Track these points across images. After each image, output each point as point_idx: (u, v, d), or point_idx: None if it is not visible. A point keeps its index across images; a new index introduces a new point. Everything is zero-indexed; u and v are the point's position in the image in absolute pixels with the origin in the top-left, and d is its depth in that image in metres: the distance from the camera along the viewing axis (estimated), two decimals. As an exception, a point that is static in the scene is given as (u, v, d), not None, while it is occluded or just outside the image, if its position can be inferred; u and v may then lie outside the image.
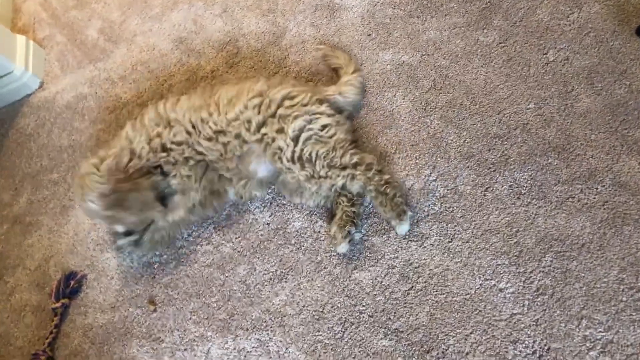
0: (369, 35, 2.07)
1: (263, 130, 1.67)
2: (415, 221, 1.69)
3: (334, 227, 1.68)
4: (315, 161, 1.65)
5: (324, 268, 1.73)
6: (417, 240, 1.66)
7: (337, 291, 1.68)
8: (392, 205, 1.62)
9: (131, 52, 2.49)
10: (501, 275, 1.54)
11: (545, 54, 1.80)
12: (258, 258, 1.83)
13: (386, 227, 1.71)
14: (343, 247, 1.66)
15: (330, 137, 1.66)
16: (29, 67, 2.56)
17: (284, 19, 2.25)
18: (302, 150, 1.65)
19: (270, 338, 1.69)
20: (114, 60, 2.50)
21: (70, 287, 1.98)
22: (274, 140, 1.67)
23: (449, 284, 1.58)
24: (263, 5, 2.31)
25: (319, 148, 1.64)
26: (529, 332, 1.46)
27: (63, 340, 1.93)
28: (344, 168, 1.65)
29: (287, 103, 1.68)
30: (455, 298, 1.56)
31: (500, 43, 1.87)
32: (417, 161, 1.77)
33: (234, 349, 1.71)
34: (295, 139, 1.65)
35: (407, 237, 1.67)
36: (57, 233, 2.16)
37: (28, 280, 2.09)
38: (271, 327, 1.70)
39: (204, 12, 2.43)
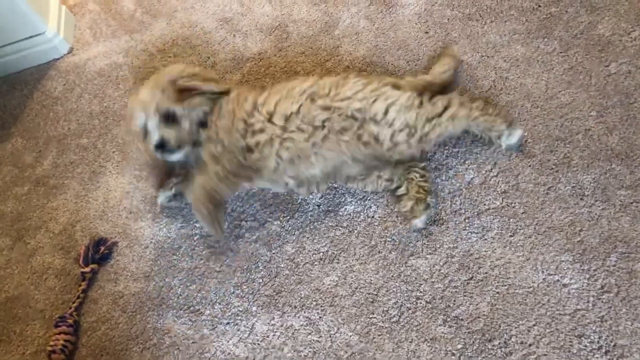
0: (427, 32, 2.09)
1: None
2: (475, 213, 1.69)
3: (410, 201, 1.68)
4: (416, 123, 1.69)
5: (379, 252, 1.71)
6: (477, 232, 1.66)
7: (392, 276, 1.66)
8: (500, 115, 1.77)
9: (171, 27, 2.46)
10: (565, 271, 1.55)
11: (607, 66, 1.84)
12: (307, 238, 1.80)
13: (445, 217, 1.71)
14: (422, 221, 1.66)
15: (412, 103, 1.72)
16: (60, 30, 2.50)
17: (337, 10, 2.26)
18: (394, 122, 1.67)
19: (320, 317, 1.66)
20: (152, 32, 2.46)
21: (100, 252, 1.90)
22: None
23: (511, 276, 1.58)
24: (315, -6, 2.31)
25: (408, 114, 1.68)
26: (594, 328, 1.47)
27: (90, 306, 1.86)
28: (441, 114, 1.70)
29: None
30: (517, 290, 1.56)
31: (561, 52, 1.91)
32: (478, 156, 1.78)
33: (281, 325, 1.67)
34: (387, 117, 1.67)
35: (466, 228, 1.66)
36: (85, 198, 2.09)
37: (51, 244, 2.01)
38: (321, 306, 1.67)
39: (252, -5, 2.41)
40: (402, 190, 1.74)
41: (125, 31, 2.50)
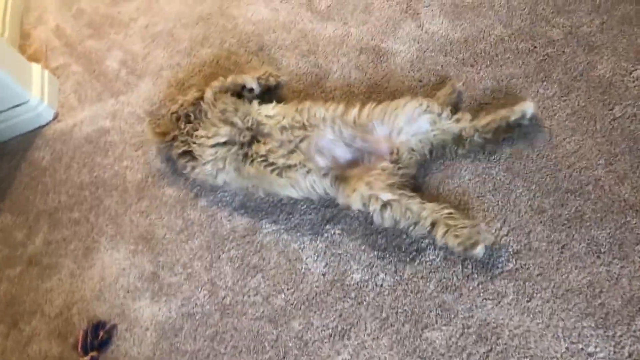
0: (420, 81, 2.00)
1: None
2: (489, 278, 1.59)
3: (460, 230, 1.62)
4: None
5: (391, 325, 1.61)
6: (492, 299, 1.56)
7: (407, 351, 1.56)
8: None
9: (158, 87, 2.35)
10: (588, 338, 1.45)
11: (611, 109, 1.75)
12: (314, 312, 1.69)
13: (457, 283, 1.61)
14: (483, 247, 1.61)
15: None
16: (44, 96, 2.39)
17: (326, 61, 2.17)
18: None
19: (335, 401, 1.54)
20: (138, 94, 2.35)
21: (99, 338, 1.80)
22: None
23: (532, 346, 1.48)
24: (302, 45, 2.21)
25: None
26: (625, 401, 1.37)
27: (92, 397, 1.73)
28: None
29: None
30: (540, 362, 1.45)
31: (562, 96, 1.82)
32: (486, 214, 1.69)
33: (295, 412, 1.56)
34: None
35: (481, 294, 1.56)
36: (80, 277, 1.97)
37: (47, 329, 1.90)
38: (335, 388, 1.56)
39: (237, 49, 2.31)
40: (440, 228, 1.65)
41: (111, 93, 2.40)
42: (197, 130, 1.85)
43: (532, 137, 1.78)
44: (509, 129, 1.78)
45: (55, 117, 2.42)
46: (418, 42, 2.10)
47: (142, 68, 2.43)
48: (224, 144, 1.81)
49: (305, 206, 1.87)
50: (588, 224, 1.61)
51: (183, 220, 1.98)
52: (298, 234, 1.84)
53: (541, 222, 1.64)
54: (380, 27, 2.18)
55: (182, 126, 1.89)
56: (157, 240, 1.97)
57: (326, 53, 2.20)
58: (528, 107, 1.76)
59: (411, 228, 1.63)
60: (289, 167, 1.72)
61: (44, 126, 2.41)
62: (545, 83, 1.88)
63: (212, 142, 1.81)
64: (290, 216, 1.88)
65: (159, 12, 2.57)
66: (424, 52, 2.08)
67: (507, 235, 1.65)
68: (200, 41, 2.41)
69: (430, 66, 2.03)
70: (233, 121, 1.80)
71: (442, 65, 2.02)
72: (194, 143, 1.83)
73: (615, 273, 1.53)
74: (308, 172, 1.71)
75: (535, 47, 1.96)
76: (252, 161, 1.76)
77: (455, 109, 1.85)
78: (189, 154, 1.87)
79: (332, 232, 1.81)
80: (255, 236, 1.87)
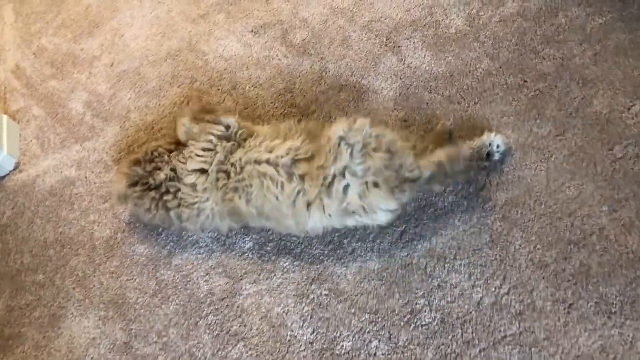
0: (405, 121, 1.83)
1: None
2: (491, 343, 1.42)
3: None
4: None
5: (387, 400, 1.42)
6: (497, 368, 1.38)
7: None
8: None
9: (126, 131, 2.14)
10: (605, 412, 1.28)
11: (611, 149, 1.59)
12: (303, 386, 1.50)
13: (457, 349, 1.43)
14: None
15: None
16: (3, 145, 2.17)
17: (304, 100, 1.99)
18: None
19: None
20: (105, 139, 2.15)
21: (68, 421, 1.57)
22: None
23: (544, 423, 1.30)
24: (278, 83, 2.03)
25: None
26: None
27: None
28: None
29: None
30: None
31: (557, 135, 1.66)
32: (484, 270, 1.52)
33: None
34: None
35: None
36: (46, 350, 1.77)
37: (11, 410, 1.68)
38: None
39: (209, 88, 2.12)
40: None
41: (76, 139, 2.19)
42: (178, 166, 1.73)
43: (527, 179, 1.61)
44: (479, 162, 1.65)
45: (17, 167, 2.21)
46: (400, 78, 1.92)
47: (108, 110, 2.23)
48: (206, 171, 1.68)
49: (287, 263, 1.69)
50: (595, 279, 1.44)
51: (156, 281, 1.78)
52: (281, 295, 1.65)
53: (544, 278, 1.48)
54: (360, 61, 2.00)
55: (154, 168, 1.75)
56: (129, 304, 1.77)
57: (304, 91, 2.01)
58: (494, 138, 1.65)
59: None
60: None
61: (3, 177, 2.19)
62: (538, 121, 1.71)
63: (196, 166, 1.69)
64: (272, 275, 1.69)
65: (123, 48, 2.36)
66: (407, 88, 1.90)
67: (508, 294, 1.48)
68: (169, 80, 2.21)
69: (414, 104, 1.86)
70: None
71: (427, 103, 1.86)
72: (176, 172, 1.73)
73: (628, 336, 1.37)
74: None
75: (525, 81, 1.79)
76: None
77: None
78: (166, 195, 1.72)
79: (318, 292, 1.63)
80: (235, 299, 1.68)
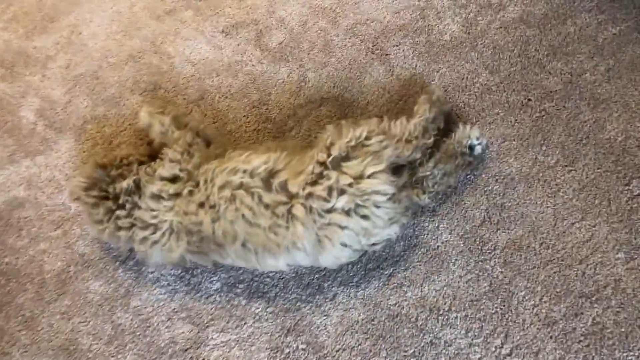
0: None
1: None
2: (491, 416, 1.20)
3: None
4: None
5: None
6: None
7: None
8: None
9: (81, 145, 1.88)
10: None
11: (628, 184, 1.37)
12: None
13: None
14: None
15: None
16: (-57, 160, 1.88)
17: (281, 114, 1.77)
18: None
19: None
20: (58, 154, 1.88)
21: None
22: None
23: None
24: (251, 94, 1.77)
25: None
26: None
27: None
28: None
29: None
30: None
31: (566, 166, 1.43)
32: (483, 325, 1.30)
33: None
34: None
35: None
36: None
37: None
38: None
39: (174, 97, 1.86)
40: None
41: (26, 153, 1.93)
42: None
43: (532, 216, 1.38)
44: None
45: (-40, 183, 1.92)
46: (388, 92, 1.67)
47: (63, 120, 1.95)
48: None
49: (260, 309, 1.46)
50: (610, 341, 1.23)
51: (112, 325, 1.55)
52: (253, 347, 1.43)
53: (552, 337, 1.27)
54: (343, 71, 1.75)
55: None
56: (82, 352, 1.54)
57: (280, 104, 1.76)
58: (470, 130, 1.49)
59: None
60: None
61: (-55, 195, 1.91)
62: (544, 148, 1.48)
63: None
64: (242, 322, 1.47)
65: (81, 48, 2.08)
66: (396, 104, 1.66)
67: (510, 355, 1.27)
68: (131, 87, 1.94)
69: (404, 123, 1.60)
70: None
71: (418, 122, 1.59)
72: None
73: (649, 412, 1.15)
74: None
75: (529, 99, 1.55)
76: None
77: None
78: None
79: (295, 346, 1.41)
80: (200, 350, 1.46)
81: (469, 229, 1.45)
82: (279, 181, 1.34)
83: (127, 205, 1.45)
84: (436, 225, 1.47)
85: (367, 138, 1.38)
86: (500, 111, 1.57)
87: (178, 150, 1.51)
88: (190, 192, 1.42)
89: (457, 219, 1.46)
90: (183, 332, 1.51)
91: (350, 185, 1.31)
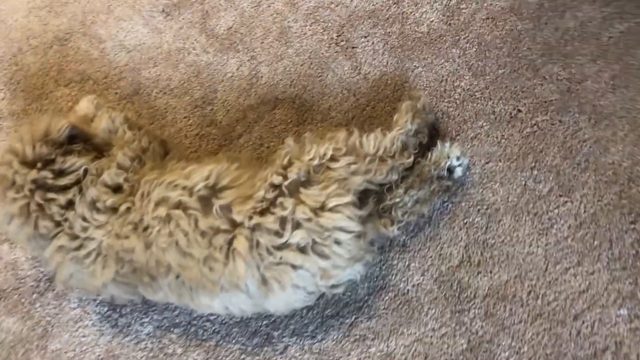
0: (359, 158, 1.28)
1: None
2: None
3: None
4: None
5: None
6: None
7: None
8: None
9: (-4, 146, 1.56)
10: None
11: (633, 222, 1.13)
12: None
13: None
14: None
15: None
16: None
17: (228, 117, 1.51)
18: None
19: None
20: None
21: None
22: None
23: None
24: (194, 90, 1.47)
25: None
26: None
27: None
28: None
29: None
30: None
31: (560, 196, 1.20)
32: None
33: None
34: None
35: None
36: None
37: None
38: None
39: (105, 90, 1.54)
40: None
41: None
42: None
43: (519, 258, 1.13)
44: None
45: None
46: (354, 95, 1.38)
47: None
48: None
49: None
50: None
51: (26, 373, 1.26)
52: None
53: (540, 413, 1.01)
54: (302, 66, 1.44)
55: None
56: (-10, 406, 1.26)
57: (228, 104, 1.46)
58: (450, 149, 1.23)
59: None
60: None
61: None
62: (535, 172, 1.21)
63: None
64: None
65: (-1, 26, 1.72)
66: (363, 110, 1.36)
67: None
68: (55, 76, 1.61)
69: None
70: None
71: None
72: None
73: None
74: None
75: (519, 110, 1.28)
76: None
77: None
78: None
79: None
80: (128, 410, 1.18)
81: (445, 271, 1.19)
82: (221, 203, 1.05)
83: (69, 194, 1.13)
84: (406, 264, 1.20)
85: (332, 159, 1.09)
86: (484, 124, 1.29)
87: (129, 154, 1.20)
88: (128, 210, 1.11)
89: (431, 257, 1.20)
90: (108, 387, 1.24)
91: (308, 219, 1.02)
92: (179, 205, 1.07)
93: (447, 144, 1.22)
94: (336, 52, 1.47)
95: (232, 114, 1.47)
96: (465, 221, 1.23)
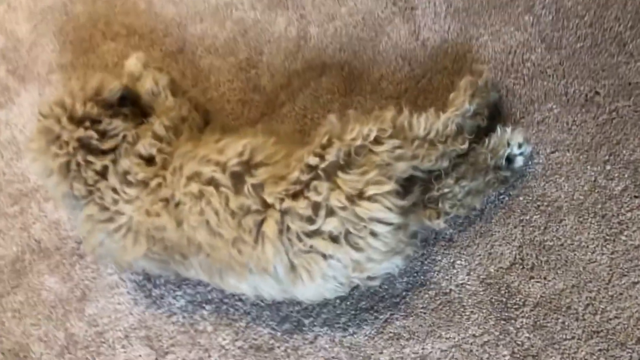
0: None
1: None
2: None
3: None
4: None
5: None
6: None
7: None
8: None
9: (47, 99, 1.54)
10: None
11: None
12: None
13: None
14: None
15: None
16: None
17: (272, 82, 1.40)
18: None
19: None
20: (20, 110, 1.55)
21: None
22: None
23: None
24: (240, 51, 1.37)
25: None
26: None
27: None
28: None
29: None
30: None
31: (636, 197, 1.01)
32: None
33: None
34: None
35: None
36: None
37: None
38: None
39: (150, 46, 1.47)
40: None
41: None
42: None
43: (580, 267, 0.99)
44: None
45: None
46: (410, 64, 1.28)
47: (27, 66, 1.61)
48: None
49: (227, 340, 1.21)
50: None
51: (65, 333, 1.31)
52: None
53: None
54: (355, 27, 1.31)
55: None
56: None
57: (273, 68, 1.35)
58: (512, 134, 1.07)
59: None
60: None
61: None
62: (609, 167, 1.09)
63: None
64: (207, 355, 1.24)
65: (50, -29, 1.66)
66: (418, 81, 1.23)
67: None
68: (103, 29, 1.56)
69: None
70: None
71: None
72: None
73: None
74: None
75: (597, 92, 1.16)
76: None
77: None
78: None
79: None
80: (159, 381, 1.18)
81: (494, 272, 1.06)
82: (253, 182, 0.97)
83: (105, 159, 1.09)
84: (451, 260, 1.09)
85: (376, 141, 0.97)
86: (554, 106, 1.12)
87: (166, 123, 1.14)
88: (159, 185, 1.05)
89: (479, 255, 1.08)
90: (140, 356, 1.24)
91: (343, 208, 0.92)
92: (211, 181, 1.00)
93: (509, 129, 1.06)
94: (393, 13, 1.31)
95: (277, 80, 1.36)
96: (521, 218, 1.09)
